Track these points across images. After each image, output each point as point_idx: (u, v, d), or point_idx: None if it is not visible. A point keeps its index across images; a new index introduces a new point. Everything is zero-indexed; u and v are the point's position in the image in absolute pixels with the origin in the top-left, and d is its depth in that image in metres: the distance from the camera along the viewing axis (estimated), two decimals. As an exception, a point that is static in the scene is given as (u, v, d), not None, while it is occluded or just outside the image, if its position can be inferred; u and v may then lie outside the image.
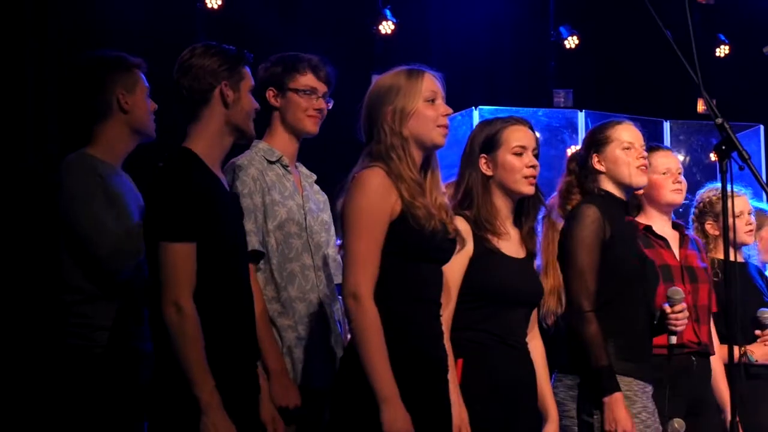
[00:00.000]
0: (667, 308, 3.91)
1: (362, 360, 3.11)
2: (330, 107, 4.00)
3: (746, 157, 3.44)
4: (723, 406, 4.31)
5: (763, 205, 5.05)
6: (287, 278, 3.82)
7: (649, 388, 3.86)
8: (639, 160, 3.99)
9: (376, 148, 3.29)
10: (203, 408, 3.12)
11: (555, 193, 4.14)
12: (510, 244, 3.70)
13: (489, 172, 3.70)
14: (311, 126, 3.96)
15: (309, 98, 3.93)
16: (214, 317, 3.25)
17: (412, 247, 3.22)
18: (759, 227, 4.98)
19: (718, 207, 4.68)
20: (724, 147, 3.48)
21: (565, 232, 3.92)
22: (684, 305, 3.92)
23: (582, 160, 4.07)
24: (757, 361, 4.52)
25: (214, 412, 3.13)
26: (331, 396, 3.29)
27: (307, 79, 3.94)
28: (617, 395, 3.70)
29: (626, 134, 4.02)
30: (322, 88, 3.96)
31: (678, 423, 4.05)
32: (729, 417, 4.29)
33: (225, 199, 3.40)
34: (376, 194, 3.19)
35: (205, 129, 3.40)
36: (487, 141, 3.72)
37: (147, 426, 3.67)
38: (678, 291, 3.93)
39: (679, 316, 3.91)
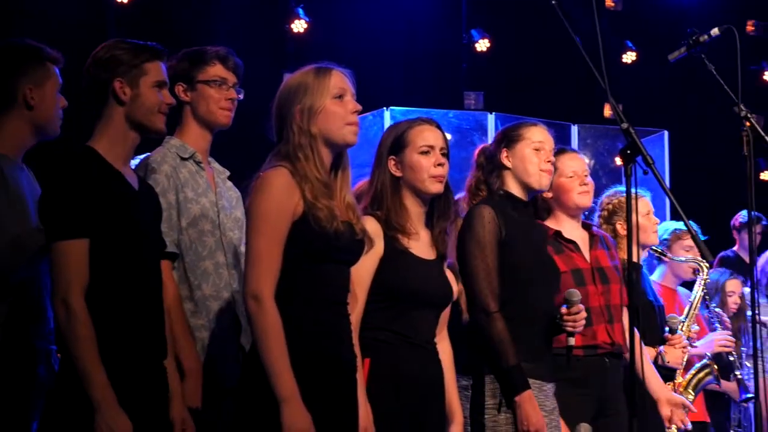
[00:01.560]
0: (564, 310, 3.94)
1: (263, 360, 3.10)
2: (241, 98, 3.98)
3: (650, 161, 3.51)
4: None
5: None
6: (200, 276, 3.80)
7: (548, 387, 3.89)
8: (546, 163, 4.03)
9: (285, 147, 3.28)
10: (96, 405, 3.10)
11: (464, 192, 4.15)
12: (420, 245, 3.71)
13: (398, 173, 3.71)
14: (224, 118, 3.93)
15: (220, 89, 3.91)
16: (111, 314, 3.22)
17: (316, 248, 3.22)
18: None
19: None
20: (629, 151, 3.54)
21: (463, 233, 3.90)
22: (581, 307, 3.93)
23: (490, 154, 4.09)
24: (668, 362, 4.61)
25: (107, 409, 3.10)
26: (235, 396, 3.29)
27: (216, 70, 3.92)
28: (528, 393, 3.73)
29: (538, 135, 4.05)
30: (231, 78, 3.94)
31: (584, 428, 4.10)
32: (666, 413, 4.37)
33: (129, 195, 3.35)
34: (278, 195, 3.19)
35: (105, 126, 3.37)
36: (395, 142, 3.73)
37: (36, 425, 3.58)
38: (575, 293, 3.94)
39: (576, 318, 3.92)
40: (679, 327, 5.02)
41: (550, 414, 3.88)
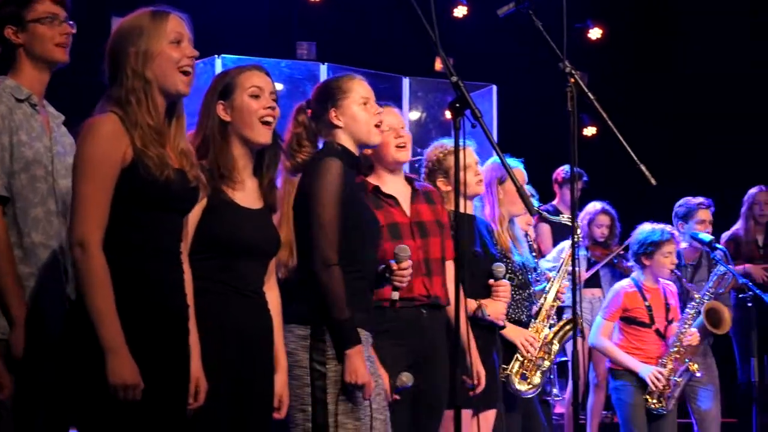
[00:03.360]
0: (394, 265, 3.99)
1: (88, 309, 3.06)
2: (74, 32, 3.86)
3: (478, 115, 3.57)
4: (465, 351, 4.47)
5: (513, 161, 5.24)
6: (31, 223, 3.69)
7: (368, 337, 3.94)
8: (376, 117, 4.05)
9: (117, 91, 3.21)
10: (106, 351, 3.04)
11: None
12: (246, 195, 3.68)
13: (227, 118, 3.66)
14: (61, 55, 3.81)
15: (52, 25, 3.79)
16: None
17: (145, 195, 3.17)
18: (501, 180, 5.16)
19: (446, 163, 4.83)
20: (458, 105, 3.60)
21: (308, 184, 3.90)
22: (409, 263, 4.00)
23: (317, 113, 4.08)
24: (489, 316, 4.69)
25: (117, 355, 3.04)
26: (59, 346, 3.22)
27: (45, 6, 3.80)
28: (359, 348, 3.77)
29: (363, 90, 4.05)
30: (61, 12, 3.83)
31: (406, 376, 4.18)
32: (475, 365, 4.46)
33: None
34: (105, 141, 3.13)
35: None
36: (225, 87, 3.69)
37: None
38: (405, 249, 4.00)
39: (404, 273, 3.99)
40: (548, 285, 5.18)
41: (373, 364, 3.95)
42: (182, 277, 3.35)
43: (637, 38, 10.42)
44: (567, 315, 5.99)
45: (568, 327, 5.26)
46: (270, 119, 3.68)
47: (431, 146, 4.93)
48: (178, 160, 3.28)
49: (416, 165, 6.08)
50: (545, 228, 7.50)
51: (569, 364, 5.72)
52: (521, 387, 5.07)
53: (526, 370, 5.08)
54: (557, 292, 5.26)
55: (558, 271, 5.34)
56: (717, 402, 6.46)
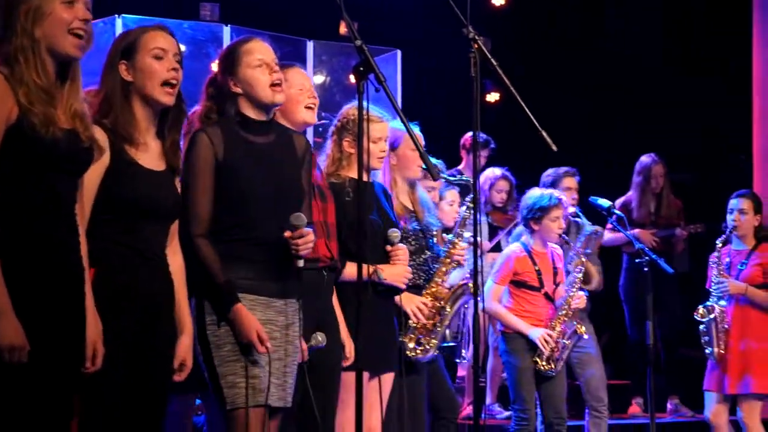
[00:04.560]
0: (287, 234, 3.96)
1: None
2: None
3: (382, 79, 3.58)
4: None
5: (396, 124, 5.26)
6: None
7: (279, 303, 3.96)
8: (272, 75, 4.02)
9: (5, 48, 3.15)
10: None
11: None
12: (149, 156, 3.65)
13: (129, 78, 3.62)
14: None
15: None
16: None
17: (32, 154, 3.12)
18: (393, 146, 5.16)
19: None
20: (362, 69, 3.60)
21: (183, 158, 3.90)
22: (307, 231, 3.96)
23: (220, 85, 4.06)
24: (385, 279, 4.71)
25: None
26: None
27: None
28: (238, 307, 3.82)
29: (258, 51, 4.03)
30: None
31: (321, 336, 4.21)
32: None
33: None
34: None
35: None
36: (127, 47, 3.65)
37: None
38: (300, 217, 3.96)
39: (300, 242, 3.95)
40: (449, 249, 5.20)
41: (284, 329, 3.96)
42: (77, 240, 3.31)
43: (540, 6, 10.50)
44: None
45: (460, 290, 5.31)
46: (173, 81, 3.64)
47: (351, 104, 4.86)
48: (70, 121, 3.22)
49: (320, 129, 6.07)
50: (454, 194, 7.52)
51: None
52: (414, 353, 5.09)
53: (421, 335, 5.12)
54: (453, 254, 5.29)
55: (455, 235, 5.37)
56: (599, 364, 6.60)
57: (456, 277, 5.40)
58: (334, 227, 4.41)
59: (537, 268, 6.12)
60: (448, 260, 5.26)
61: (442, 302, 5.19)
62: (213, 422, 4.58)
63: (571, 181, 6.87)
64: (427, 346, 5.12)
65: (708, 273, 6.66)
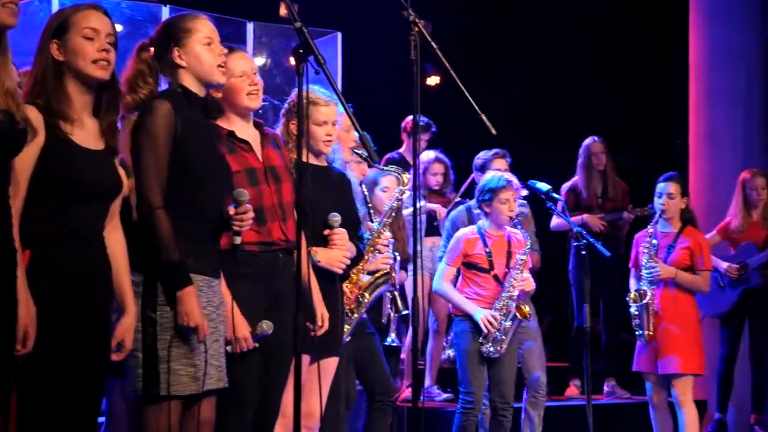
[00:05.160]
0: (231, 210, 3.95)
1: None
2: None
3: (322, 61, 3.57)
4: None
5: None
6: None
7: (216, 283, 3.94)
8: (220, 57, 4.00)
9: None
10: None
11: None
12: (86, 135, 3.61)
13: (60, 57, 3.58)
14: None
15: None
16: None
17: None
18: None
19: (309, 110, 4.79)
20: (301, 51, 3.59)
21: (137, 126, 3.83)
22: (249, 207, 3.96)
23: (159, 52, 4.00)
24: (320, 262, 4.69)
25: None
26: None
27: None
28: (190, 289, 3.75)
29: (207, 29, 3.99)
30: None
31: (266, 324, 4.18)
32: (318, 308, 4.47)
33: None
34: None
35: None
36: (59, 26, 3.60)
37: None
38: (243, 193, 3.95)
39: (243, 218, 3.94)
40: (372, 233, 5.19)
41: (216, 309, 3.94)
42: (9, 222, 3.26)
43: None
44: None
45: (381, 280, 5.31)
46: (104, 63, 3.60)
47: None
48: (3, 100, 3.17)
49: (260, 111, 6.03)
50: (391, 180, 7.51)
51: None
52: None
53: None
54: (376, 243, 5.28)
55: (380, 223, 5.36)
56: (539, 342, 6.64)
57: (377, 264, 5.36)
58: (291, 208, 4.37)
59: (488, 250, 6.14)
60: (371, 248, 5.25)
61: (361, 290, 5.19)
62: (115, 405, 4.50)
63: (501, 163, 6.87)
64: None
65: (632, 253, 6.74)
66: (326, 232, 4.72)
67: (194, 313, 3.74)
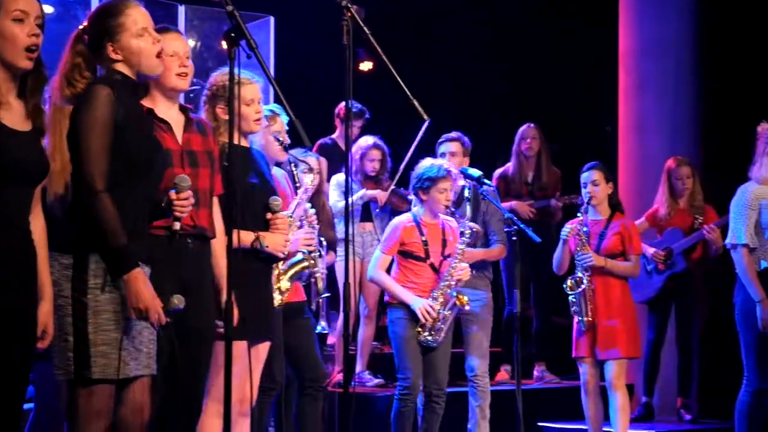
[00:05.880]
0: (173, 195, 3.95)
1: None
2: None
3: (254, 46, 3.56)
4: (220, 287, 4.40)
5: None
6: None
7: (147, 269, 3.90)
8: (155, 45, 3.95)
9: None
10: None
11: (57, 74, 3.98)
12: (12, 116, 3.56)
13: None
14: None
15: None
16: None
17: None
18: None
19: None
20: (233, 34, 3.57)
21: (77, 112, 3.79)
22: (189, 193, 3.97)
23: (93, 47, 3.94)
24: (267, 247, 4.68)
25: None
26: None
27: None
28: (138, 271, 3.73)
29: (139, 18, 3.93)
30: None
31: (177, 299, 4.13)
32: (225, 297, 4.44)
33: None
34: None
35: None
36: None
37: None
38: (185, 179, 3.96)
39: (184, 203, 3.97)
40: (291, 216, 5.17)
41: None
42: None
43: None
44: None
45: (301, 266, 5.31)
46: (33, 47, 3.55)
47: (219, 71, 4.82)
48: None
49: (191, 95, 5.98)
50: (323, 162, 7.49)
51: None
52: None
53: None
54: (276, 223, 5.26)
55: (292, 214, 5.33)
56: (481, 332, 6.68)
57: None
58: (206, 195, 4.34)
59: (424, 238, 6.17)
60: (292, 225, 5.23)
61: (279, 277, 5.18)
62: (42, 390, 4.44)
63: (452, 146, 6.89)
64: None
65: (563, 245, 6.78)
66: (268, 216, 4.71)
67: (144, 295, 3.73)
